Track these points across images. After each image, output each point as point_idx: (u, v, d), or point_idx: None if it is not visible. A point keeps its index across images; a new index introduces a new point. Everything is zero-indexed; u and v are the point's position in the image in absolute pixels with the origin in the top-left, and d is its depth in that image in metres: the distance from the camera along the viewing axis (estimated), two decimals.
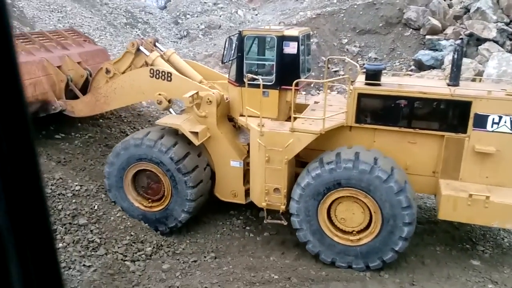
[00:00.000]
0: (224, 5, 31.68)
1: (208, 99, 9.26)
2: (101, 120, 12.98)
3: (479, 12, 19.40)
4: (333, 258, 8.67)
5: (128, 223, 9.27)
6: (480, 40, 18.84)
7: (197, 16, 29.60)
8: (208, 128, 9.41)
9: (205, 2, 31.41)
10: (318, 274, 8.53)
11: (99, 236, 8.75)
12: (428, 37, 20.61)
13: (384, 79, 9.07)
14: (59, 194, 9.18)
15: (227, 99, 9.79)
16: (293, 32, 8.99)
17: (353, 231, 8.63)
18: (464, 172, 8.57)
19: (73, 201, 9.19)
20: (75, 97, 11.07)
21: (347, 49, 22.10)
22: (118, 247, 8.70)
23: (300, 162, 9.50)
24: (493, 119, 8.18)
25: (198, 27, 27.95)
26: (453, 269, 8.68)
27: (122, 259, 8.51)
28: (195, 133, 9.06)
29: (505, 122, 8.14)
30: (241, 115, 9.36)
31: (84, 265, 7.96)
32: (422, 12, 21.20)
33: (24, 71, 10.04)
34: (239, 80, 9.23)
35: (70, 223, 8.78)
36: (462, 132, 8.40)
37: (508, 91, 8.33)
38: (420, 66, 19.53)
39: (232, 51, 9.25)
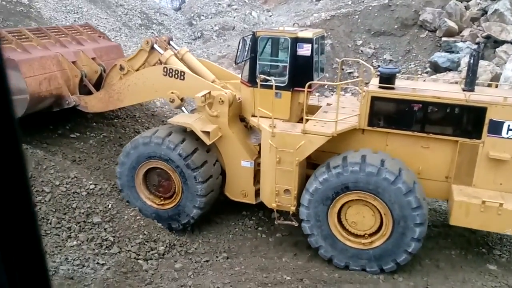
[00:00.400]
0: (238, 6, 31.78)
1: (220, 99, 9.30)
2: (115, 120, 13.16)
3: (497, 14, 19.19)
4: (346, 262, 8.66)
5: (142, 222, 9.35)
6: (498, 43, 18.64)
7: (211, 18, 29.80)
8: (219, 127, 9.45)
9: (219, 4, 31.57)
10: (331, 276, 8.50)
11: (112, 234, 8.86)
12: (444, 39, 20.46)
13: (398, 82, 9.02)
14: (73, 193, 9.34)
15: (239, 99, 9.81)
16: (307, 34, 8.98)
17: (365, 234, 8.60)
18: (477, 178, 8.50)
19: (88, 199, 9.32)
20: (89, 92, 11.21)
21: (362, 51, 22.02)
22: (132, 246, 8.80)
23: (311, 164, 9.49)
24: (509, 125, 8.11)
25: (212, 28, 28.08)
26: (468, 273, 8.57)
27: (135, 258, 8.60)
28: (207, 133, 9.10)
29: None
30: (253, 116, 9.39)
31: (98, 263, 8.04)
32: (438, 14, 21.04)
33: (40, 66, 10.21)
34: (251, 80, 9.25)
35: (84, 221, 8.92)
36: (477, 138, 8.33)
37: None
38: (436, 68, 19.38)
39: (246, 52, 9.27)
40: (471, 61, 8.69)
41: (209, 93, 9.23)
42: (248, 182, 9.64)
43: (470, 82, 8.75)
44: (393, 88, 8.67)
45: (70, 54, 11.11)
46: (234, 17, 29.91)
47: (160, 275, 8.32)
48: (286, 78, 9.07)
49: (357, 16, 22.39)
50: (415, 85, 9.16)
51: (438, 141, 8.59)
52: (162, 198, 9.91)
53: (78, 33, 12.31)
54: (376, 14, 22.04)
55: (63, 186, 9.37)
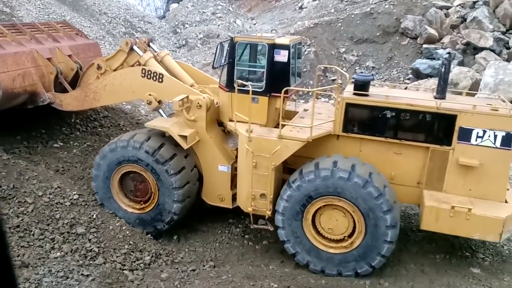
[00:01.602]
0: (223, 14, 32.28)
1: (198, 103, 9.50)
2: (99, 129, 13.27)
3: (476, 21, 19.80)
4: (338, 269, 8.83)
5: (127, 232, 9.40)
6: (477, 49, 19.25)
7: (195, 26, 30.22)
8: (197, 132, 9.64)
9: (203, 12, 32.04)
10: (318, 282, 8.62)
11: (97, 245, 8.87)
12: (425, 46, 21.03)
13: (372, 89, 9.33)
14: (57, 203, 9.35)
15: (217, 104, 10.01)
16: (284, 40, 9.24)
17: (344, 237, 8.83)
18: (448, 184, 8.83)
19: (71, 210, 9.35)
20: (65, 90, 11.24)
21: (345, 58, 22.47)
22: (117, 256, 8.81)
23: (288, 169, 9.72)
24: (477, 133, 8.44)
25: (196, 36, 28.47)
26: (453, 277, 8.81)
27: (120, 268, 8.59)
28: (184, 137, 9.28)
29: (489, 137, 8.40)
30: (231, 120, 9.60)
31: (82, 274, 8.02)
32: (419, 21, 21.60)
33: (14, 62, 10.16)
34: (229, 85, 9.48)
35: (68, 232, 8.91)
36: (447, 145, 8.67)
37: (493, 106, 8.60)
38: (418, 75, 19.86)
39: (223, 57, 9.48)
40: (442, 70, 9.05)
41: (187, 97, 9.42)
42: (225, 186, 9.84)
43: (442, 90, 9.11)
44: (367, 95, 8.96)
45: (46, 51, 11.08)
46: (219, 25, 30.33)
47: (146, 285, 8.33)
48: (263, 84, 9.30)
49: (340, 24, 22.85)
50: (389, 92, 9.47)
51: (410, 147, 8.90)
52: (141, 202, 10.01)
53: (55, 30, 12.30)
54: (358, 22, 22.51)
55: (46, 196, 9.37)
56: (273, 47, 9.15)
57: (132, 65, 10.83)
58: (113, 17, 27.38)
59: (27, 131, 11.66)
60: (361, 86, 9.06)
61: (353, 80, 9.27)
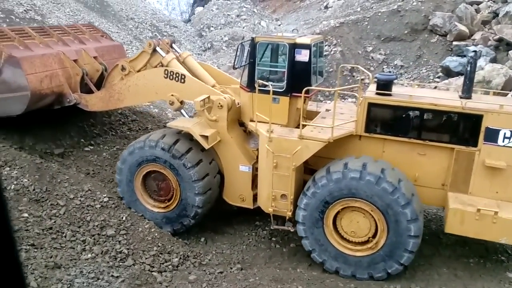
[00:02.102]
0: (247, 16, 32.55)
1: (219, 103, 9.61)
2: (128, 133, 13.70)
3: (508, 16, 19.30)
4: (368, 272, 8.77)
5: (156, 234, 9.57)
6: (510, 45, 18.74)
7: (220, 28, 30.64)
8: (218, 132, 9.76)
9: (228, 14, 32.42)
10: (347, 286, 8.58)
11: (127, 247, 9.06)
12: (455, 43, 20.61)
13: (395, 89, 9.23)
14: (87, 206, 9.62)
15: (238, 104, 10.10)
16: (305, 40, 9.26)
17: (369, 238, 8.78)
18: (473, 186, 8.67)
19: (102, 212, 9.60)
20: (90, 91, 11.60)
21: (372, 57, 22.26)
22: (146, 258, 8.98)
23: (309, 169, 9.72)
24: (505, 133, 8.26)
25: (221, 39, 28.81)
26: (488, 282, 8.62)
27: (149, 270, 8.73)
28: (205, 137, 9.40)
29: None
30: (251, 121, 9.67)
31: (112, 275, 8.16)
32: (449, 18, 21.18)
33: (41, 63, 10.57)
34: (250, 85, 9.55)
35: (98, 234, 9.13)
36: (473, 146, 8.51)
37: None
38: (448, 73, 19.47)
39: (244, 57, 9.55)
40: (468, 69, 8.89)
41: (209, 97, 9.55)
42: (246, 186, 9.93)
43: (467, 90, 8.95)
44: (390, 95, 8.88)
45: (72, 53, 11.50)
46: (244, 27, 30.61)
47: (174, 287, 8.45)
48: (284, 84, 9.35)
49: (366, 23, 22.64)
50: (413, 92, 9.34)
51: (434, 148, 8.78)
52: (165, 201, 10.20)
53: (81, 32, 12.73)
54: (385, 20, 22.26)
55: (77, 199, 9.67)
56: (294, 47, 9.19)
57: (155, 66, 11.06)
58: (140, 22, 28.06)
59: (59, 135, 12.11)
60: (384, 86, 8.99)
61: (376, 79, 9.19)
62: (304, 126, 9.01)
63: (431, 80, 19.94)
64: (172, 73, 10.28)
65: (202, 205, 9.78)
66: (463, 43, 20.35)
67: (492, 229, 8.13)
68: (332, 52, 21.98)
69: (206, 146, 9.44)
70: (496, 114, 8.23)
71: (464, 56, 19.67)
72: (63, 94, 11.22)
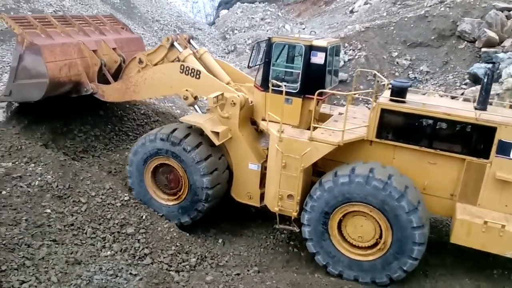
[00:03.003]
0: (272, 20, 33.00)
1: (233, 101, 9.88)
2: None
3: None
4: (386, 274, 8.85)
5: (174, 234, 9.82)
6: None
7: (244, 31, 31.18)
8: (230, 129, 10.04)
9: (252, 18, 32.95)
10: None
11: (145, 245, 9.33)
12: (484, 49, 20.32)
13: (410, 96, 9.34)
14: (108, 204, 10.00)
15: (251, 103, 10.34)
16: (322, 42, 9.44)
17: (377, 240, 8.93)
18: (483, 198, 8.76)
19: (122, 210, 9.94)
20: (107, 81, 12.01)
21: (397, 63, 22.20)
22: (164, 257, 9.22)
23: (318, 171, 9.90)
24: None
25: (245, 42, 29.26)
26: None
27: (167, 269, 8.96)
28: (216, 133, 9.68)
29: None
30: (263, 120, 9.90)
31: (130, 273, 8.37)
32: (478, 24, 20.96)
33: (61, 52, 11.07)
34: (264, 85, 9.79)
35: (118, 232, 9.42)
36: (484, 158, 8.59)
37: None
38: (476, 80, 19.25)
39: (259, 56, 9.78)
40: (485, 80, 8.94)
41: (222, 94, 9.80)
42: (254, 184, 10.19)
43: (483, 101, 9.01)
44: (403, 102, 8.99)
45: (92, 43, 11.94)
46: (267, 31, 31.05)
47: (191, 287, 8.61)
48: (298, 85, 9.56)
49: (392, 28, 22.60)
50: (427, 100, 9.44)
51: (445, 158, 8.88)
52: (177, 193, 10.52)
53: (102, 23, 13.17)
54: (412, 25, 22.18)
55: (98, 197, 10.03)
56: (310, 49, 9.39)
57: (172, 61, 11.40)
58: (165, 24, 28.84)
59: (83, 134, 12.62)
60: (398, 93, 9.11)
61: (390, 85, 9.31)
62: (315, 128, 9.19)
63: (457, 87, 19.79)
64: (188, 69, 10.59)
65: (211, 185, 9.97)
66: (492, 50, 20.06)
67: (498, 242, 8.24)
68: (356, 57, 22.01)
69: (217, 143, 9.72)
70: (511, 127, 8.30)
71: (493, 63, 19.47)
72: (81, 83, 11.66)
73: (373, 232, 8.89)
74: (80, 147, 12.21)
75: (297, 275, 9.27)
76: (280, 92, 9.23)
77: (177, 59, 11.28)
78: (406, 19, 22.47)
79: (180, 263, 9.28)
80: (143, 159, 10.37)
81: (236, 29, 32.02)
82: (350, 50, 22.57)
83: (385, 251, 8.77)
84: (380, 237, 8.82)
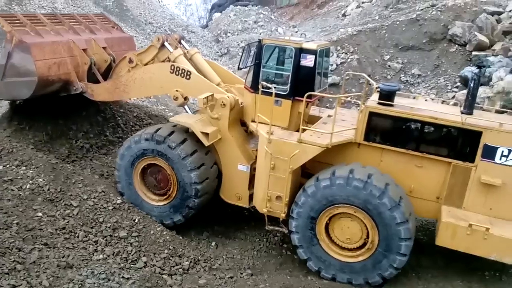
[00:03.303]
0: (264, 23, 33.38)
1: (223, 102, 10.00)
2: None
3: None
4: (377, 273, 8.98)
5: (167, 237, 9.89)
6: None
7: (237, 34, 31.56)
8: (219, 130, 10.15)
9: (245, 21, 33.34)
10: None
11: (138, 248, 9.39)
12: (474, 53, 20.65)
13: (398, 100, 9.50)
14: (100, 207, 10.02)
15: (241, 104, 10.45)
16: (312, 45, 9.59)
17: (365, 239, 9.07)
18: (468, 201, 8.96)
19: (114, 214, 9.96)
20: (97, 81, 12.04)
21: (389, 66, 22.46)
22: (157, 261, 9.28)
23: (307, 173, 10.03)
24: (503, 151, 8.54)
25: (238, 44, 29.56)
26: None
27: (159, 273, 9.01)
28: (206, 134, 9.78)
29: None
30: (253, 121, 10.02)
31: (123, 277, 8.36)
32: (468, 27, 21.29)
33: (51, 50, 11.06)
34: (254, 86, 9.93)
35: (110, 236, 9.45)
36: (470, 161, 8.79)
37: None
38: (467, 83, 19.38)
39: (250, 58, 9.90)
40: (471, 85, 9.17)
41: (212, 95, 9.91)
42: (243, 185, 10.31)
43: (469, 105, 9.22)
44: (391, 105, 9.16)
45: (82, 42, 11.93)
46: (260, 34, 31.40)
47: None
48: (287, 87, 9.70)
49: (384, 31, 22.88)
50: (415, 104, 9.61)
51: (431, 161, 9.07)
52: (167, 192, 10.58)
53: (92, 22, 13.16)
54: (403, 29, 22.46)
55: (90, 200, 10.05)
56: (300, 51, 9.53)
57: (163, 61, 11.48)
58: (158, 27, 29.17)
59: (75, 137, 12.63)
60: (386, 96, 9.29)
61: (379, 89, 9.46)
62: (304, 130, 9.31)
63: (449, 90, 20.07)
64: (178, 69, 10.69)
65: (199, 180, 10.02)
66: (483, 53, 20.38)
67: (483, 245, 8.43)
68: (349, 60, 22.25)
69: (206, 143, 9.82)
70: (496, 131, 8.49)
71: (484, 66, 19.73)
72: (70, 82, 11.68)
73: (360, 233, 9.04)
74: (72, 150, 12.23)
75: (290, 277, 9.39)
76: (270, 94, 9.34)
77: (167, 59, 11.36)
78: (398, 22, 22.75)
79: (173, 266, 9.34)
80: (130, 162, 10.46)
81: (229, 32, 32.35)
82: (342, 53, 22.81)
83: (374, 250, 8.92)
84: (367, 237, 8.98)
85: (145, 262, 9.11)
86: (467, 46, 21.28)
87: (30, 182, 9.92)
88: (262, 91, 9.55)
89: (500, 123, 8.53)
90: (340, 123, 9.87)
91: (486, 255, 8.60)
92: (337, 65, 22.13)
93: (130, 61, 11.60)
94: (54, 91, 11.65)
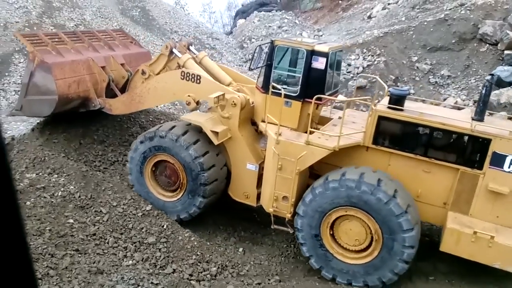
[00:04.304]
0: (289, 27, 33.64)
1: (233, 101, 10.38)
2: None
3: None
4: (390, 271, 9.13)
5: (195, 243, 10.13)
6: None
7: (261, 40, 31.78)
8: (229, 129, 10.55)
9: (269, 26, 33.71)
10: None
11: (166, 254, 9.69)
12: (507, 52, 20.34)
13: (408, 104, 9.66)
14: (130, 213, 10.46)
15: (252, 103, 10.80)
16: (324, 47, 9.84)
17: (368, 244, 9.31)
18: (474, 208, 9.09)
19: (143, 220, 10.37)
20: (115, 96, 12.68)
21: (417, 67, 22.35)
22: (185, 266, 9.53)
23: (315, 174, 10.30)
24: (511, 160, 8.56)
25: None
26: None
27: (188, 279, 9.22)
28: (216, 133, 10.17)
29: None
30: (263, 121, 10.35)
31: (152, 282, 8.57)
32: (500, 26, 20.99)
33: (71, 69, 11.76)
34: (265, 87, 10.26)
35: (139, 241, 9.82)
36: (478, 169, 8.93)
37: None
38: (499, 83, 19.24)
39: (261, 59, 10.20)
40: (483, 92, 9.25)
41: (223, 95, 10.28)
42: (252, 184, 10.69)
43: (480, 112, 9.32)
44: (401, 110, 9.33)
45: (101, 59, 12.62)
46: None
47: None
48: (298, 89, 9.99)
49: (411, 32, 22.74)
50: (425, 109, 9.74)
51: (439, 167, 9.23)
52: (179, 186, 11.00)
53: (111, 38, 13.85)
54: (431, 29, 22.29)
55: (120, 207, 10.47)
56: (312, 54, 9.80)
57: (174, 69, 11.96)
58: (184, 35, 29.94)
59: (105, 145, 13.25)
60: (396, 100, 9.47)
61: (389, 93, 9.63)
62: (311, 132, 9.58)
63: (480, 91, 19.82)
64: (188, 75, 11.15)
65: (205, 167, 10.38)
66: None
67: (487, 252, 8.58)
68: (375, 62, 22.21)
69: (216, 142, 10.23)
70: (505, 140, 8.61)
71: (492, 75, 19.41)
72: (89, 99, 12.38)
73: (364, 236, 9.29)
74: (102, 158, 12.77)
75: (319, 284, 9.58)
76: (280, 95, 9.66)
77: (178, 66, 11.86)
78: (425, 23, 22.57)
79: (201, 272, 9.57)
80: (139, 166, 11.06)
81: (254, 38, 32.76)
82: (369, 55, 22.78)
83: (376, 254, 9.16)
84: (371, 240, 9.21)
85: (174, 268, 9.37)
86: (499, 45, 20.99)
87: (62, 189, 10.41)
88: (272, 91, 9.85)
89: (510, 131, 8.62)
90: (350, 125, 10.11)
91: (490, 263, 8.73)
92: (363, 67, 22.14)
93: (143, 72, 12.16)
94: (73, 107, 12.35)
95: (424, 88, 23.88)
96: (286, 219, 10.05)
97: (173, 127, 10.77)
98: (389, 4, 30.06)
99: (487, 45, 21.49)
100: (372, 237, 9.17)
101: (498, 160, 8.70)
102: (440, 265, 9.95)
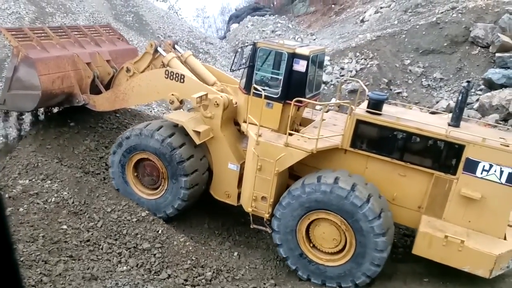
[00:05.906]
0: (282, 32, 34.23)
1: (216, 102, 10.67)
2: None
3: None
4: (351, 279, 9.58)
5: (190, 248, 10.23)
6: None
7: None
8: (211, 129, 10.84)
9: (263, 30, 34.29)
10: None
11: (161, 260, 9.78)
12: (498, 54, 20.82)
13: (386, 108, 9.99)
14: (124, 219, 10.57)
15: (235, 104, 11.11)
16: (305, 50, 10.14)
17: (342, 247, 9.68)
18: (448, 213, 9.46)
19: (138, 226, 10.47)
20: (100, 92, 12.87)
21: (410, 70, 22.75)
22: (180, 272, 9.63)
23: (293, 175, 10.62)
24: (484, 166, 8.98)
25: None
26: None
27: (183, 283, 9.33)
28: (198, 132, 10.47)
29: (495, 171, 8.92)
30: (245, 121, 10.66)
31: None
32: (491, 29, 21.42)
33: (55, 65, 11.88)
34: (247, 88, 10.55)
35: (134, 247, 9.95)
36: (452, 174, 9.29)
37: (505, 141, 9.02)
38: (491, 85, 19.74)
39: (243, 60, 10.50)
40: (459, 98, 9.58)
41: (206, 95, 10.58)
42: (233, 184, 11.01)
43: (456, 118, 9.66)
44: (379, 114, 9.65)
45: (86, 56, 12.72)
46: None
47: None
48: (279, 90, 10.28)
49: (404, 36, 23.17)
50: (402, 113, 10.06)
51: (415, 171, 9.58)
52: (162, 180, 11.24)
53: (98, 34, 13.96)
54: (424, 33, 22.71)
55: (114, 213, 10.61)
56: (293, 56, 10.10)
57: (159, 67, 12.20)
58: (177, 40, 29.95)
59: (98, 151, 13.40)
60: (375, 105, 9.79)
61: (368, 97, 9.96)
62: (291, 134, 9.90)
63: (472, 93, 20.19)
64: (172, 74, 11.43)
65: (184, 157, 10.64)
66: (507, 54, 20.51)
67: (457, 256, 8.96)
68: (368, 66, 22.60)
69: (197, 141, 10.53)
70: (478, 146, 8.94)
71: (508, 67, 19.86)
72: (73, 95, 12.54)
73: (338, 239, 9.66)
74: (96, 164, 12.90)
75: (314, 287, 9.83)
76: (261, 96, 9.96)
77: (162, 64, 12.11)
78: (417, 26, 23.01)
79: (196, 277, 9.69)
80: (121, 166, 11.36)
81: (247, 42, 33.30)
82: (361, 59, 23.16)
83: (349, 257, 9.54)
84: (345, 244, 9.57)
85: (168, 274, 9.49)
86: (490, 47, 21.43)
87: (55, 195, 10.59)
88: (253, 93, 10.14)
89: (483, 138, 8.93)
90: (331, 128, 10.44)
91: (460, 267, 9.10)
92: (356, 71, 22.54)
93: (128, 70, 12.38)
94: (56, 103, 12.55)
95: (416, 91, 24.30)
96: (265, 219, 10.38)
97: (133, 129, 11.08)
98: (381, 8, 30.57)
99: (479, 48, 21.96)
100: (346, 240, 9.52)
101: (471, 166, 9.04)
102: (434, 267, 10.28)
